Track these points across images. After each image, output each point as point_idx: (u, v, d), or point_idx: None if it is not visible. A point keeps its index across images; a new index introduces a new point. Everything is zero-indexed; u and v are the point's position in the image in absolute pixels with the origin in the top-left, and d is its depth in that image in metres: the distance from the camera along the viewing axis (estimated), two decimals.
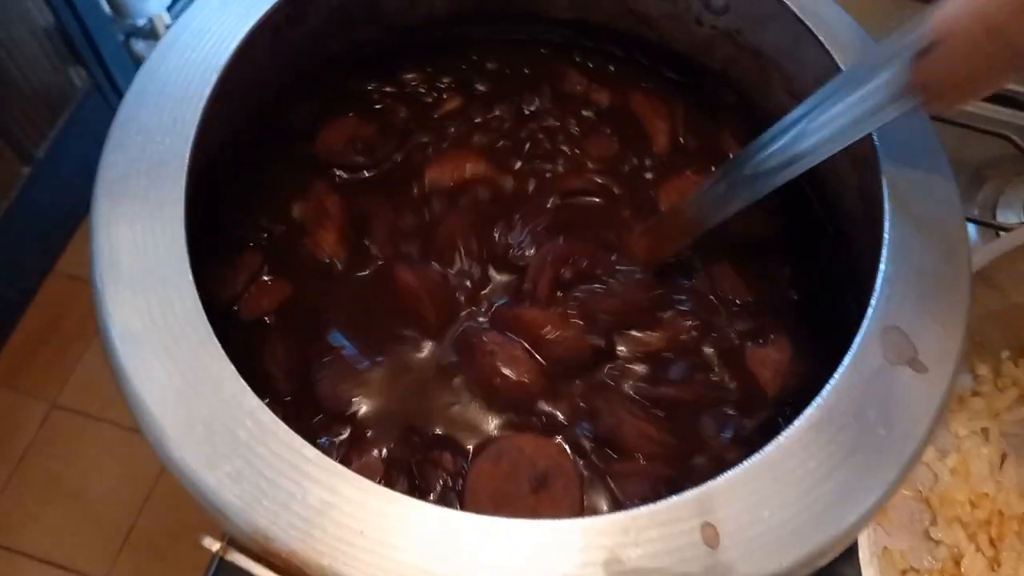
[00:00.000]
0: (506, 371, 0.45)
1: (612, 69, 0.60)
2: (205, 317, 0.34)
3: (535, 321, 0.46)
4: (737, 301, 0.50)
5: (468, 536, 0.31)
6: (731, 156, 0.56)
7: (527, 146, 0.55)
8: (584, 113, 0.58)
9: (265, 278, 0.49)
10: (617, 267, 0.49)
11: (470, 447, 0.43)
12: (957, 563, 0.56)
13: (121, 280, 0.36)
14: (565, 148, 0.56)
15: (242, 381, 0.33)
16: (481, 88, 0.58)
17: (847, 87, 0.38)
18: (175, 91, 0.40)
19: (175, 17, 0.43)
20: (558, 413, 0.45)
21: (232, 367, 0.33)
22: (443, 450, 0.42)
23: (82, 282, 1.33)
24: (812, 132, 0.39)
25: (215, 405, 0.33)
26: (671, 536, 0.31)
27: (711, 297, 0.50)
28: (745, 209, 0.45)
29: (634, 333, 0.48)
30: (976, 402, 0.62)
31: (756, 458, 0.33)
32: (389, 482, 0.42)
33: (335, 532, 0.31)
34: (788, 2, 0.48)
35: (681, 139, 0.57)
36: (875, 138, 0.42)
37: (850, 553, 0.49)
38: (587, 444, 0.44)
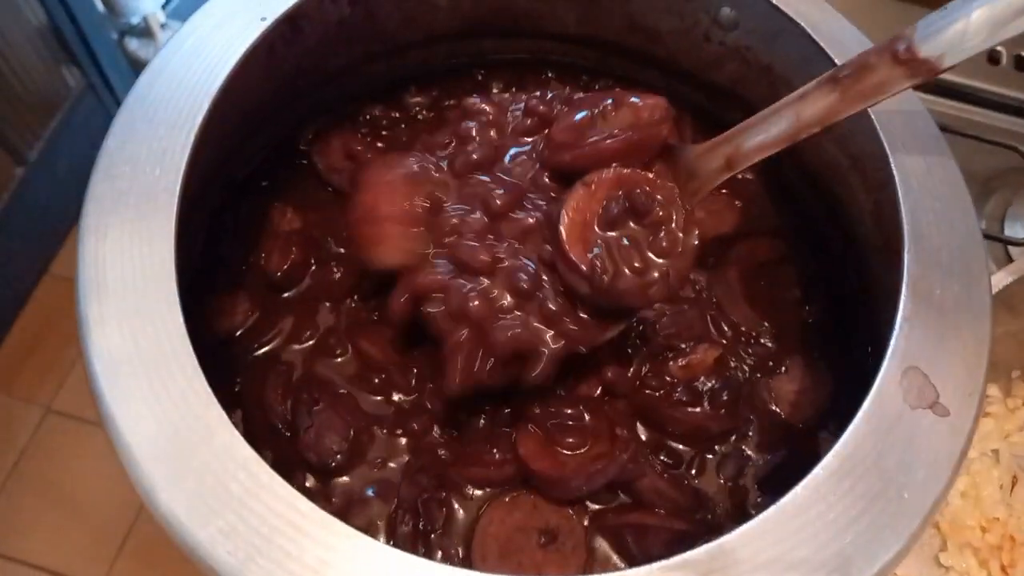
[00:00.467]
0: None
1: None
2: (197, 362, 0.33)
3: None
4: (753, 334, 0.48)
5: None
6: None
7: None
8: None
9: None
10: None
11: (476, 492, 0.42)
12: None
13: (108, 316, 0.34)
14: None
15: (235, 430, 0.32)
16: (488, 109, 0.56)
17: None
18: (166, 118, 0.38)
19: (169, 16, 0.41)
20: None
21: (224, 414, 0.32)
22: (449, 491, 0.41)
23: None
24: None
25: (206, 456, 0.31)
26: None
27: (724, 327, 0.49)
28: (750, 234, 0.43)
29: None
30: (986, 423, 0.61)
31: (772, 510, 0.32)
32: (394, 522, 0.41)
33: None
34: (798, 19, 0.46)
35: None
36: (892, 164, 0.41)
37: None
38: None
